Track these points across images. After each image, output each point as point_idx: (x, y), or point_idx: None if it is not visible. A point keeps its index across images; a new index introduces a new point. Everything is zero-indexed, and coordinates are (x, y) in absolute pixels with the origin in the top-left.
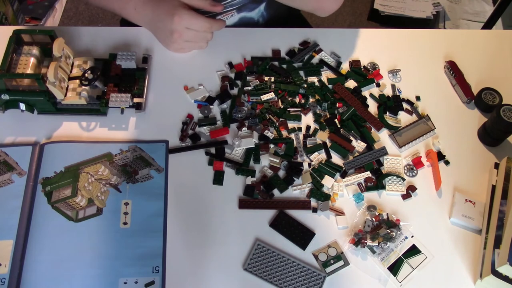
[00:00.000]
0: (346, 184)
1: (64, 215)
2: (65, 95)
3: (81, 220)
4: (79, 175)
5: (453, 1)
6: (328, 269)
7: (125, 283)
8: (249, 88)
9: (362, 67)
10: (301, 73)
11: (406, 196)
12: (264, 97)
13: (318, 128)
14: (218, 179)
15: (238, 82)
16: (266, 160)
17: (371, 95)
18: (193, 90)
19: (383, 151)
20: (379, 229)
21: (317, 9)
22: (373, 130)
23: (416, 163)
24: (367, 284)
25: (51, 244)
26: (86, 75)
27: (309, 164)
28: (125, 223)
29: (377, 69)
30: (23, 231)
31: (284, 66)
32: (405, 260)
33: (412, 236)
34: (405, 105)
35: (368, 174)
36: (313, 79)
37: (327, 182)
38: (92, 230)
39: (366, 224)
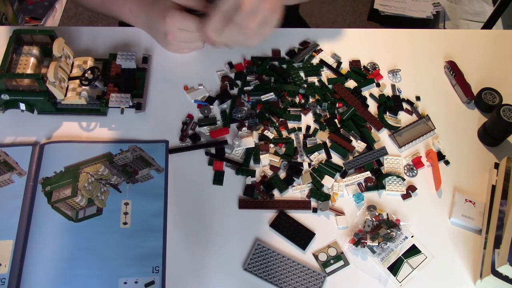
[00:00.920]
0: (346, 184)
1: (64, 215)
2: (65, 95)
3: (81, 220)
4: (79, 175)
5: (453, 1)
6: (328, 269)
7: (125, 283)
8: (249, 88)
9: (362, 67)
10: (301, 73)
11: (406, 196)
12: (264, 97)
13: (318, 128)
14: (218, 179)
15: (238, 82)
16: (266, 160)
17: (371, 95)
18: (193, 90)
19: (383, 151)
20: (379, 229)
21: None
22: (373, 130)
23: (416, 163)
24: (367, 284)
25: (51, 244)
26: (86, 75)
27: (309, 164)
28: (125, 223)
29: (377, 69)
30: (23, 231)
31: (284, 66)
32: (405, 260)
33: (412, 236)
34: (405, 105)
35: (368, 174)
36: (313, 79)
37: (327, 182)
38: (92, 230)
39: (366, 224)
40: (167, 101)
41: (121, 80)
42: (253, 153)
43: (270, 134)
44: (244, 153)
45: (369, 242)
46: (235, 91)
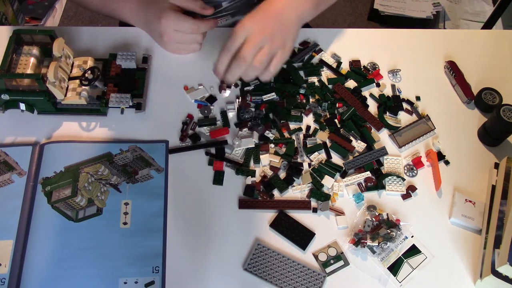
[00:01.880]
0: (346, 184)
1: (64, 215)
2: (65, 95)
3: (81, 220)
4: (79, 175)
5: (453, 1)
6: (328, 269)
7: (125, 283)
8: (250, 88)
9: (362, 67)
10: (301, 73)
11: (406, 196)
12: (266, 97)
13: (318, 128)
14: (218, 179)
15: (238, 82)
16: (266, 160)
17: (371, 95)
18: (193, 90)
19: (383, 151)
20: (379, 229)
21: None
22: (373, 130)
23: (416, 163)
24: (367, 284)
25: (51, 244)
26: (86, 75)
27: (309, 164)
28: (125, 223)
29: (377, 69)
30: (23, 231)
31: (284, 66)
32: (405, 260)
33: (412, 236)
34: (405, 105)
35: (368, 174)
36: (313, 79)
37: (327, 182)
38: (92, 230)
39: (366, 224)
40: (167, 101)
41: (121, 80)
42: (253, 153)
43: (271, 135)
44: (244, 153)
45: (369, 242)
46: (236, 91)
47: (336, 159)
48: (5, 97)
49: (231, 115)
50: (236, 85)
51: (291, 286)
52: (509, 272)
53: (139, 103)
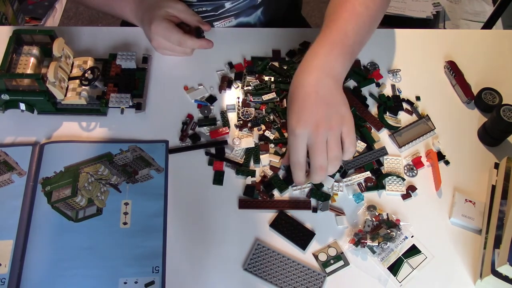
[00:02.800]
0: (346, 184)
1: (64, 215)
2: (65, 95)
3: (81, 220)
4: (79, 175)
5: (453, 1)
6: (328, 269)
7: (125, 283)
8: (249, 88)
9: (362, 67)
10: None
11: (406, 196)
12: (266, 97)
13: None
14: (218, 179)
15: (238, 82)
16: (266, 160)
17: (371, 95)
18: (193, 90)
19: (383, 151)
20: (379, 229)
21: None
22: (373, 130)
23: (416, 163)
24: (367, 284)
25: (51, 244)
26: (86, 75)
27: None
28: (125, 223)
29: (377, 69)
30: (23, 231)
31: (284, 66)
32: (405, 260)
33: (412, 236)
34: (405, 105)
35: (368, 174)
36: None
37: (327, 182)
38: (92, 230)
39: (366, 224)
40: (167, 101)
41: (121, 80)
42: (253, 153)
43: (271, 135)
44: (244, 153)
45: (369, 242)
46: (236, 91)
47: None
48: (5, 97)
49: (231, 115)
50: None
51: (291, 286)
52: (509, 272)
53: (139, 103)
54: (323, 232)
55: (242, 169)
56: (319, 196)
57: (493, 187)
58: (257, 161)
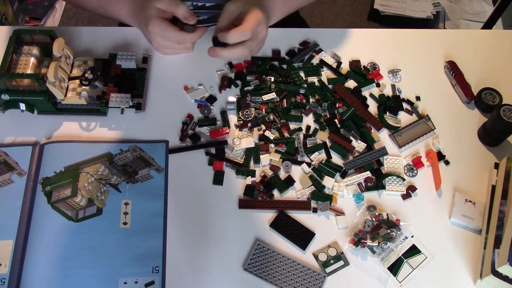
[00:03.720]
0: (346, 184)
1: (64, 215)
2: (65, 95)
3: (81, 220)
4: (79, 175)
5: (453, 1)
6: (328, 269)
7: (125, 283)
8: (249, 88)
9: (362, 67)
10: (301, 73)
11: (406, 196)
12: (266, 97)
13: (318, 128)
14: (218, 179)
15: (238, 82)
16: (266, 160)
17: (371, 95)
18: (193, 90)
19: (383, 151)
20: (379, 229)
21: None
22: (373, 130)
23: (416, 163)
24: (367, 284)
25: (51, 244)
26: (86, 75)
27: (309, 164)
28: (125, 223)
29: (377, 69)
30: (23, 231)
31: (284, 66)
32: (405, 260)
33: (412, 236)
34: (405, 105)
35: (368, 174)
36: (313, 79)
37: (327, 182)
38: (92, 230)
39: (366, 224)
40: (167, 101)
41: (121, 80)
42: (253, 153)
43: (271, 135)
44: (244, 153)
45: (369, 242)
46: (236, 91)
47: (336, 159)
48: (5, 97)
49: (231, 115)
50: (236, 85)
51: (291, 286)
52: (509, 272)
53: (139, 103)
54: (323, 232)
55: (242, 169)
56: (321, 199)
57: (493, 187)
58: (257, 161)
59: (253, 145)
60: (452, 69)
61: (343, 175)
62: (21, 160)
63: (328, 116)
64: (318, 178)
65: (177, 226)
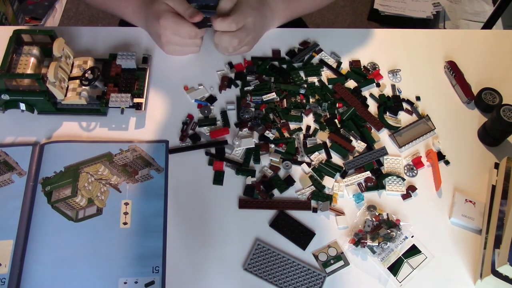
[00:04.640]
0: (346, 184)
1: (64, 215)
2: (65, 95)
3: (81, 220)
4: (79, 175)
5: (453, 1)
6: (328, 269)
7: (125, 283)
8: (249, 88)
9: (362, 67)
10: (301, 73)
11: (406, 196)
12: (266, 97)
13: (318, 128)
14: (218, 179)
15: (238, 82)
16: (266, 160)
17: (371, 95)
18: (193, 90)
19: (383, 151)
20: (379, 229)
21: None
22: (373, 130)
23: (416, 163)
24: (367, 284)
25: (51, 244)
26: (86, 75)
27: (309, 164)
28: (125, 223)
29: (377, 69)
30: (23, 231)
31: (284, 66)
32: (405, 260)
33: (412, 236)
34: (405, 105)
35: (368, 174)
36: (313, 79)
37: (327, 182)
38: (92, 230)
39: (366, 224)
40: (167, 101)
41: (121, 80)
42: (253, 153)
43: (271, 135)
44: (244, 153)
45: (369, 242)
46: (236, 91)
47: (336, 159)
48: (5, 97)
49: (231, 115)
50: (236, 85)
51: (291, 286)
52: (509, 272)
53: (139, 103)
54: (323, 232)
55: (242, 169)
56: (322, 199)
57: (493, 187)
58: (257, 161)
59: (253, 145)
60: (452, 69)
61: (343, 175)
62: (21, 160)
63: (328, 116)
64: (318, 178)
65: (177, 226)
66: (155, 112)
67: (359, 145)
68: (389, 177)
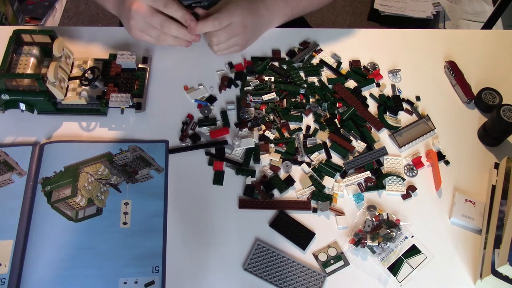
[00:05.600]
0: (346, 184)
1: (64, 215)
2: (65, 95)
3: (81, 220)
4: (79, 175)
5: (453, 1)
6: (328, 269)
7: (125, 283)
8: (249, 88)
9: (362, 67)
10: (301, 73)
11: (406, 196)
12: (266, 97)
13: (318, 128)
14: (218, 179)
15: (238, 82)
16: (266, 160)
17: (371, 95)
18: (193, 90)
19: (383, 151)
20: (379, 229)
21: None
22: (373, 130)
23: (416, 163)
24: (367, 284)
25: (51, 244)
26: (86, 75)
27: (309, 164)
28: (125, 223)
29: (377, 69)
30: (23, 231)
31: (284, 66)
32: (405, 260)
33: (412, 236)
34: (405, 105)
35: (368, 174)
36: (313, 79)
37: (327, 182)
38: (92, 230)
39: (366, 224)
40: (167, 101)
41: (121, 80)
42: (253, 153)
43: (271, 135)
44: (244, 153)
45: (369, 242)
46: (236, 91)
47: (336, 159)
48: (5, 97)
49: (231, 115)
50: (236, 85)
51: (291, 286)
52: (509, 272)
53: (139, 103)
54: (323, 232)
55: (242, 169)
56: (321, 199)
57: (493, 187)
58: (257, 161)
59: (253, 145)
60: (452, 69)
61: (343, 175)
62: (21, 160)
63: (328, 116)
64: (318, 178)
65: (177, 226)
66: (155, 112)
67: (359, 145)
68: (389, 177)
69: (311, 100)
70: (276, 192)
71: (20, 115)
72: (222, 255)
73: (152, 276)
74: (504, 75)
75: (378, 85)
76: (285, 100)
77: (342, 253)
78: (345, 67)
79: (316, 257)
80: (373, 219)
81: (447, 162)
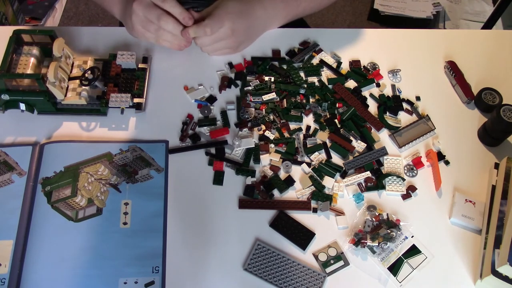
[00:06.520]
0: (346, 184)
1: (64, 215)
2: (65, 95)
3: (81, 220)
4: (79, 175)
5: (453, 1)
6: (328, 269)
7: (125, 283)
8: (249, 88)
9: (362, 67)
10: (301, 73)
11: (406, 196)
12: (266, 97)
13: (318, 128)
14: (218, 179)
15: (238, 82)
16: (266, 160)
17: (371, 95)
18: (193, 90)
19: (383, 151)
20: (379, 229)
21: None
22: (373, 130)
23: (416, 163)
24: (367, 284)
25: (51, 244)
26: (86, 75)
27: (309, 164)
28: (125, 223)
29: (377, 69)
30: (23, 231)
31: (284, 66)
32: (405, 260)
33: (412, 236)
34: (405, 105)
35: (368, 174)
36: (313, 79)
37: (327, 182)
38: (92, 230)
39: (366, 224)
40: (167, 101)
41: (121, 80)
42: (253, 153)
43: (271, 135)
44: (244, 153)
45: (369, 242)
46: (236, 91)
47: (336, 159)
48: (5, 97)
49: (231, 115)
50: (236, 85)
51: (291, 286)
52: (509, 272)
53: (139, 103)
54: (323, 232)
55: (242, 169)
56: (321, 199)
57: (493, 187)
58: (257, 161)
59: (253, 145)
60: (452, 69)
61: (343, 175)
62: (21, 160)
63: (328, 116)
64: (318, 178)
65: (177, 226)
66: (155, 112)
67: (359, 145)
68: (389, 177)
69: (311, 100)
70: (276, 192)
71: (20, 115)
72: (222, 255)
73: (152, 276)
74: (504, 75)
75: (378, 85)
76: (285, 100)
77: (342, 253)
78: (345, 67)
79: (316, 257)
80: (373, 219)
81: (447, 162)
